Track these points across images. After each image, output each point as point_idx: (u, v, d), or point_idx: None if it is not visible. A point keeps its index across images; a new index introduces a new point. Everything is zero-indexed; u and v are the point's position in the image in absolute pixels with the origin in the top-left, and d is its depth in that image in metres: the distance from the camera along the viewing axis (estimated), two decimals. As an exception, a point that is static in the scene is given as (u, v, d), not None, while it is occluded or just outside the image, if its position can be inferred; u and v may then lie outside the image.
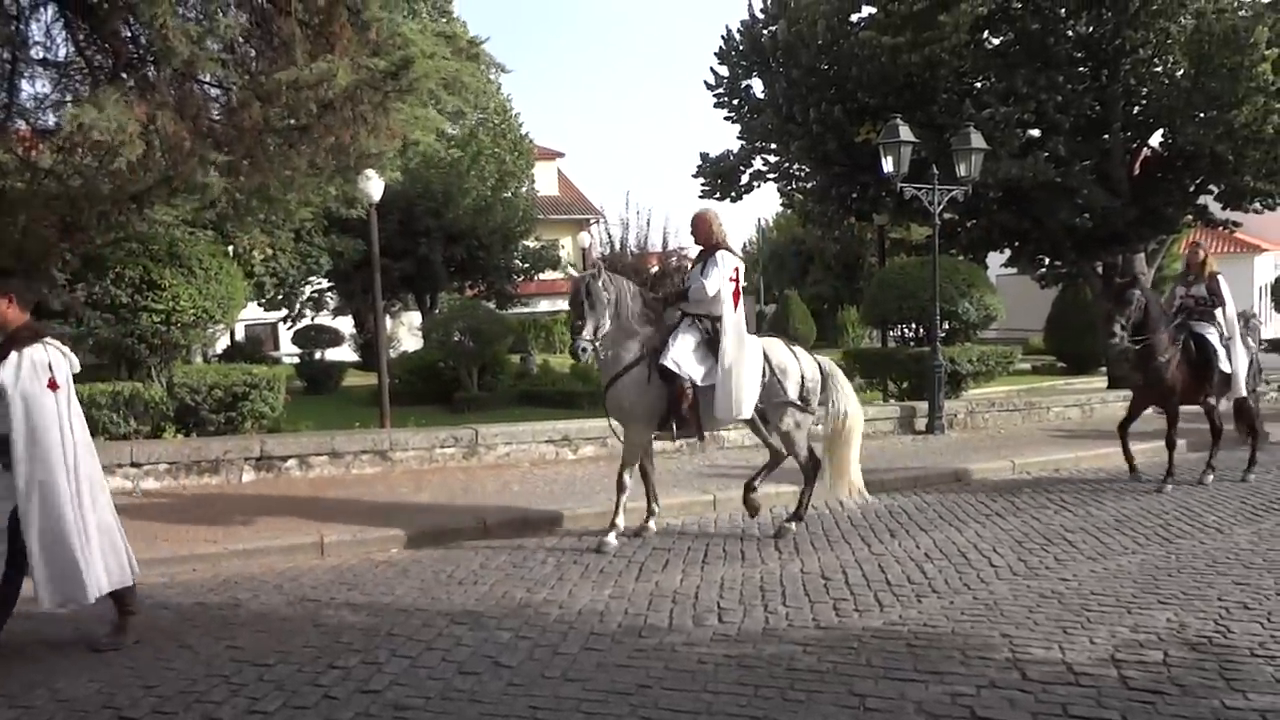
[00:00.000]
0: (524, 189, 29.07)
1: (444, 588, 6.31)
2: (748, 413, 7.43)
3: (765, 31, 20.96)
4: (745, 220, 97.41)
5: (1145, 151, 20.61)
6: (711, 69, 22.61)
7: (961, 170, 13.62)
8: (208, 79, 7.76)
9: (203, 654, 5.07)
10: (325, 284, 24.76)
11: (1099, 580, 6.27)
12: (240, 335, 27.87)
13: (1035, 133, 19.00)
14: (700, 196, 24.20)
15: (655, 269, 34.13)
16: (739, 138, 23.01)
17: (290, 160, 7.97)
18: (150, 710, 4.33)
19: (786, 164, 23.07)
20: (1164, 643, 5.05)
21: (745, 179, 23.63)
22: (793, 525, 7.79)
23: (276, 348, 28.60)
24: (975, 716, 4.18)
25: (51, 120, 8.45)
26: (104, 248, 10.10)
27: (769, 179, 23.74)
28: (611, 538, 7.31)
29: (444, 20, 23.10)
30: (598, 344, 7.17)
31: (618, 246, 34.88)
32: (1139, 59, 18.73)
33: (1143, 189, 19.63)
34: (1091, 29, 18.68)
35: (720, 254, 7.41)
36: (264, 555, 7.05)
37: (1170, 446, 9.46)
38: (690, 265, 7.94)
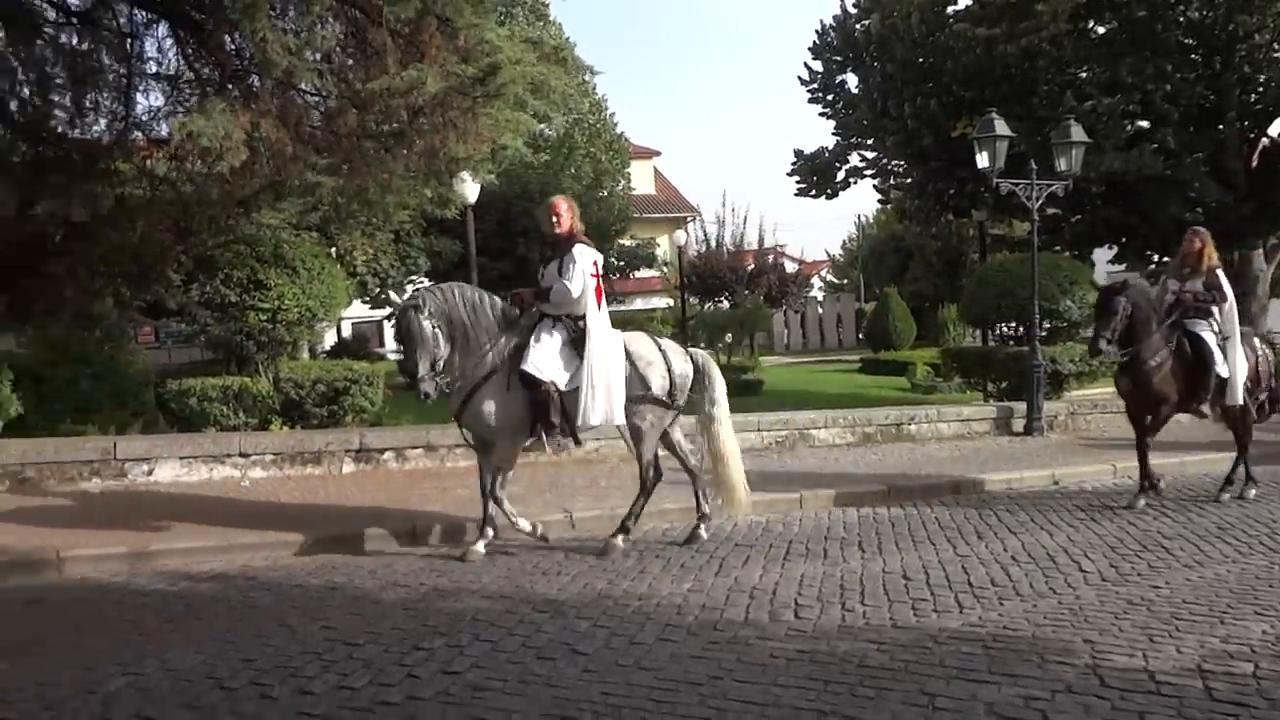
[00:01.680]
0: (620, 188, 29.29)
1: (528, 577, 6.51)
2: (620, 417, 7.00)
3: (859, 25, 20.84)
4: (844, 217, 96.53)
5: (1264, 142, 19.84)
6: (805, 64, 22.58)
7: (1061, 165, 13.32)
8: (307, 88, 8.11)
9: (299, 632, 5.34)
10: (426, 283, 25.35)
11: (1193, 589, 6.08)
12: (347, 332, 28.68)
13: (1144, 124, 18.48)
14: (795, 194, 24.19)
15: (751, 266, 34.28)
16: (834, 133, 22.91)
17: (386, 164, 8.29)
18: (248, 682, 4.60)
19: (883, 159, 22.87)
20: (1256, 655, 4.88)
21: (841, 175, 23.51)
22: (619, 540, 7.21)
23: (382, 344, 29.38)
24: None
25: (165, 130, 8.94)
26: (214, 250, 10.61)
27: (865, 175, 23.56)
28: (479, 546, 7.04)
29: (540, 24, 23.41)
30: (439, 378, 6.79)
31: (713, 244, 35.11)
32: (1255, 44, 18.02)
33: (1261, 181, 18.90)
34: (1203, 14, 18.06)
35: (577, 248, 6.94)
36: (359, 541, 7.33)
37: (1142, 457, 8.74)
38: (544, 262, 7.32)
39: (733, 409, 13.11)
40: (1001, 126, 13.03)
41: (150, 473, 9.23)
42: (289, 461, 9.69)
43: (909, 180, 22.69)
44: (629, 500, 8.25)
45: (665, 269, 35.18)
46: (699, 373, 7.45)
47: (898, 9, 19.35)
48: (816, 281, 48.14)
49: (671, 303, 33.74)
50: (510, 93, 7.61)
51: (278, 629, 5.42)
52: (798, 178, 23.60)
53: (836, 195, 23.73)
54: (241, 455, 9.54)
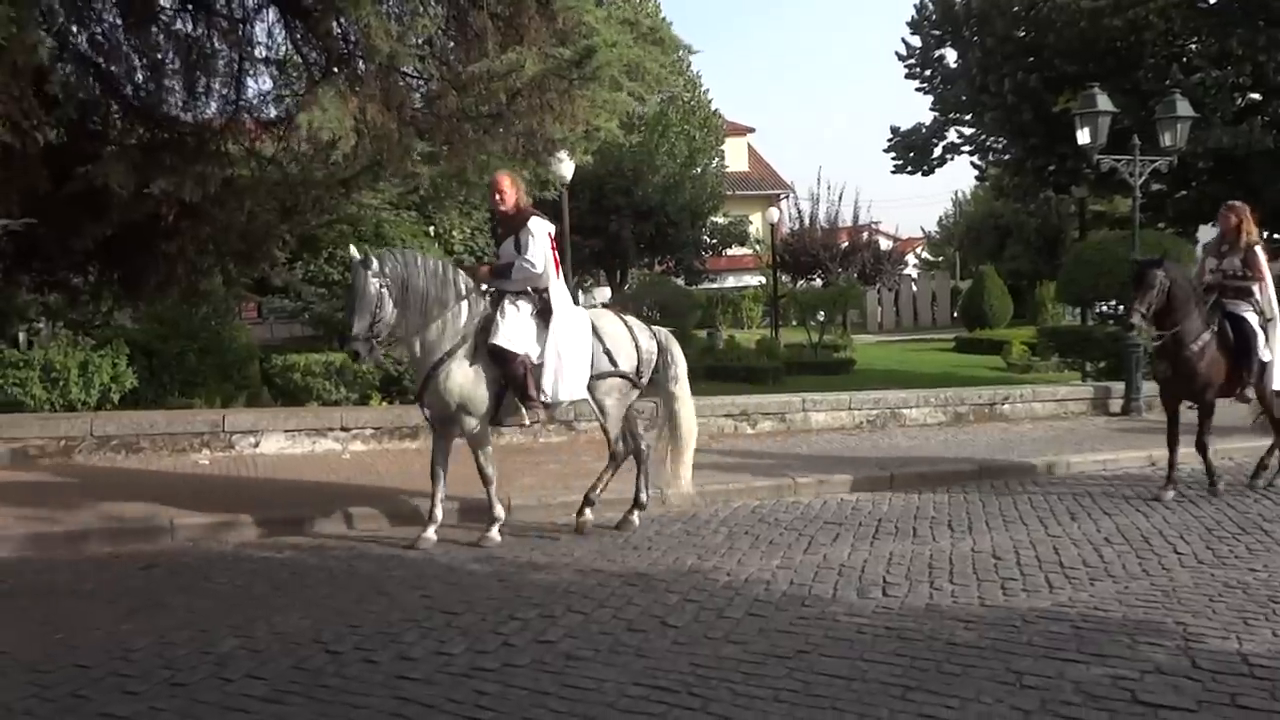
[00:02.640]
0: (713, 165, 29.24)
1: (619, 551, 6.66)
2: (582, 392, 6.90)
3: (958, 0, 20.44)
4: (940, 194, 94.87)
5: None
6: (903, 40, 22.29)
7: (1166, 140, 12.94)
8: (409, 71, 8.33)
9: (398, 601, 5.56)
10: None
11: (1292, 572, 5.97)
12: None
13: (1255, 96, 17.84)
14: (891, 171, 23.94)
15: (845, 244, 33.99)
16: (931, 109, 22.62)
17: (484, 146, 8.46)
18: (353, 646, 4.82)
19: (981, 135, 22.49)
20: (1356, 639, 4.80)
21: (938, 152, 23.18)
22: (635, 517, 7.30)
23: (475, 322, 29.84)
24: (1136, 700, 4.14)
25: (272, 113, 9.29)
26: (318, 229, 10.97)
27: (963, 151, 23.21)
28: (494, 532, 6.85)
29: (636, 1, 23.42)
30: (379, 340, 6.53)
31: (807, 222, 34.89)
32: (1377, 13, 17.24)
33: (1379, 156, 18.09)
34: (1322, -18, 17.32)
35: (533, 222, 6.74)
36: (453, 514, 7.53)
37: (1203, 450, 8.28)
38: (498, 239, 7.15)
39: (824, 388, 13.24)
40: (1104, 101, 12.71)
41: (256, 445, 9.62)
42: (388, 435, 10.00)
43: (1008, 157, 22.30)
44: (719, 476, 8.37)
45: (758, 246, 35.04)
46: (662, 351, 7.32)
47: (1000, -18, 18.99)
48: (911, 259, 47.45)
49: (763, 280, 33.64)
50: (606, 75, 7.70)
51: (378, 596, 5.65)
52: (894, 154, 23.35)
53: (933, 172, 23.46)
54: (343, 429, 9.87)
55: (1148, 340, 8.20)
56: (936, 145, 23.07)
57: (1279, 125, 16.70)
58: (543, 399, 6.80)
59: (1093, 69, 16.98)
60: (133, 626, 5.15)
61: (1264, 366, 8.16)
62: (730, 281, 38.52)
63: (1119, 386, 12.96)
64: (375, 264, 6.43)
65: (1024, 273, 34.62)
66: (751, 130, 44.09)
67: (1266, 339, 8.14)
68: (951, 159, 23.37)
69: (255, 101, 9.42)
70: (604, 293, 29.64)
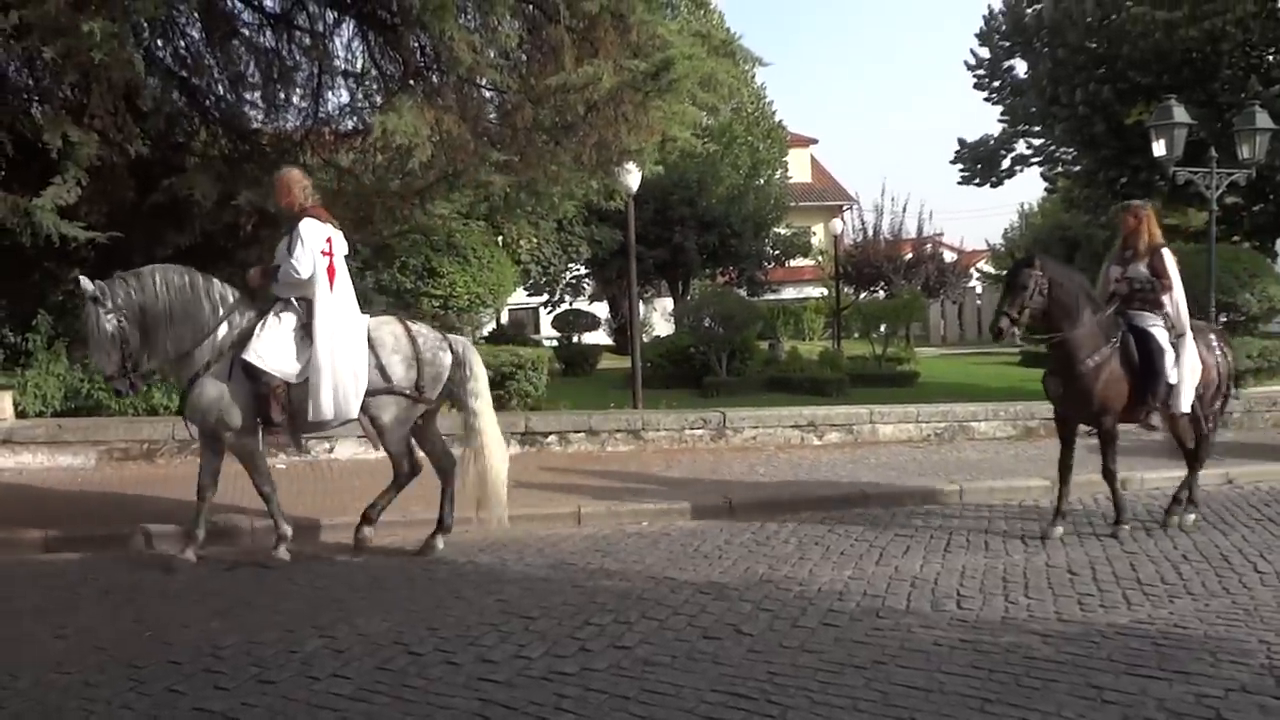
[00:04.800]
0: (776, 176, 29.20)
1: (690, 560, 6.69)
2: (353, 411, 6.43)
3: (1029, 10, 20.28)
4: (1004, 207, 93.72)
5: None
6: (972, 51, 22.14)
7: (1244, 152, 12.74)
8: (485, 84, 8.49)
9: (475, 605, 5.66)
10: (583, 271, 25.85)
11: (1379, 592, 5.84)
12: (505, 318, 29.53)
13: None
14: (958, 183, 23.79)
15: (909, 256, 33.66)
16: (1000, 120, 22.44)
17: (556, 156, 8.58)
18: (433, 648, 4.92)
19: (1051, 147, 22.26)
20: None
21: (1006, 164, 22.99)
22: (438, 541, 6.83)
23: (537, 331, 30.10)
24: (1220, 718, 4.10)
25: (349, 124, 9.51)
26: (391, 239, 11.16)
27: (1031, 163, 22.97)
28: (281, 550, 6.55)
29: (700, 13, 23.52)
30: (135, 373, 6.26)
31: (870, 233, 34.61)
32: None
33: None
34: None
35: (304, 224, 6.26)
36: (526, 521, 7.61)
37: (1110, 478, 7.37)
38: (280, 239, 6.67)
39: (889, 401, 13.15)
40: (1180, 113, 12.54)
41: (331, 450, 9.81)
42: (458, 443, 10.09)
43: (1078, 168, 22.01)
44: (787, 487, 8.36)
45: (820, 258, 34.88)
46: (460, 363, 6.82)
47: (1073, -7, 18.80)
48: (974, 272, 46.85)
49: (825, 292, 33.46)
50: (683, 87, 7.76)
51: (455, 600, 5.76)
52: (961, 166, 23.18)
53: (1001, 183, 23.28)
54: (415, 435, 10.00)
55: (1017, 343, 7.31)
56: (1005, 157, 22.90)
57: (1362, 137, 16.30)
58: (294, 425, 6.46)
59: (1167, 80, 16.75)
60: (221, 625, 5.31)
61: (1171, 389, 7.17)
62: (790, 293, 38.37)
63: (1194, 402, 12.69)
64: (107, 299, 6.06)
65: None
66: (814, 141, 43.93)
67: (1177, 358, 7.17)
68: (1020, 170, 23.18)
69: (335, 113, 9.66)
70: (665, 303, 29.76)
